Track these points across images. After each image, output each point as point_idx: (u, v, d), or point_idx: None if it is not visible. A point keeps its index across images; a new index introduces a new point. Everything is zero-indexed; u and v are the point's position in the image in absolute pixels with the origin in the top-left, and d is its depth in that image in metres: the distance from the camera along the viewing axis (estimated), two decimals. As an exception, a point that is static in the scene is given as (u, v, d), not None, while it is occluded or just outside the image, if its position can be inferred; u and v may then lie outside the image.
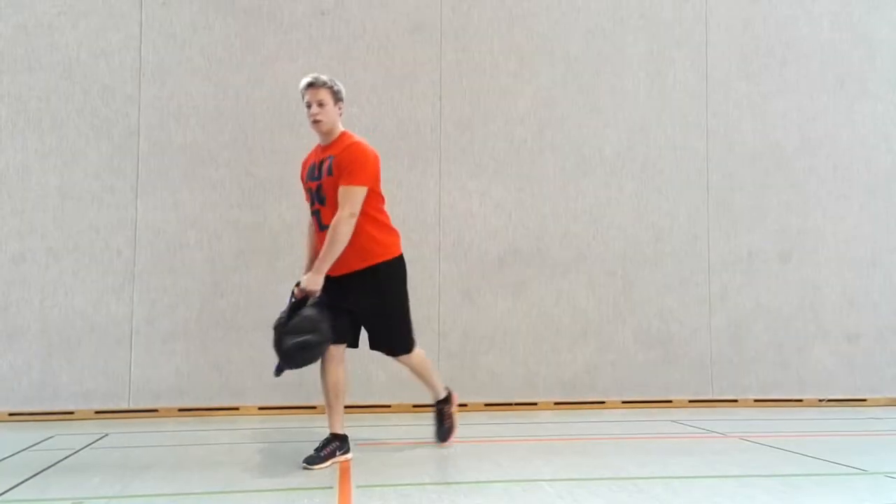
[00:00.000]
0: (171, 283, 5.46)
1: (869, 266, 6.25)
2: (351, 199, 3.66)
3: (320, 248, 3.73)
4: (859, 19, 6.38)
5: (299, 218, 5.56)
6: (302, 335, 3.56)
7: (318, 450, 3.70)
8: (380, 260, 3.80)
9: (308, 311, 3.62)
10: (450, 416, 4.25)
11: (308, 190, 3.87)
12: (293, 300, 3.70)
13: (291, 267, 5.56)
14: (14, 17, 5.43)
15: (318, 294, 3.67)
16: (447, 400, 4.26)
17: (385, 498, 3.07)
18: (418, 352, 4.05)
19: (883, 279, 6.26)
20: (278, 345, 3.60)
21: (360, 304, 3.80)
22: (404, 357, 4.00)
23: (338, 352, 3.79)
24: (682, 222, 6.08)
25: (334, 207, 3.69)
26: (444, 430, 4.23)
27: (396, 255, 3.89)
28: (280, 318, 3.65)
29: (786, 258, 6.18)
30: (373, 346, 3.94)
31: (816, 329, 6.15)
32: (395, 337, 3.94)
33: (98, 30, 5.51)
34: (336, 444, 3.75)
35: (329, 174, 3.72)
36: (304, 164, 3.98)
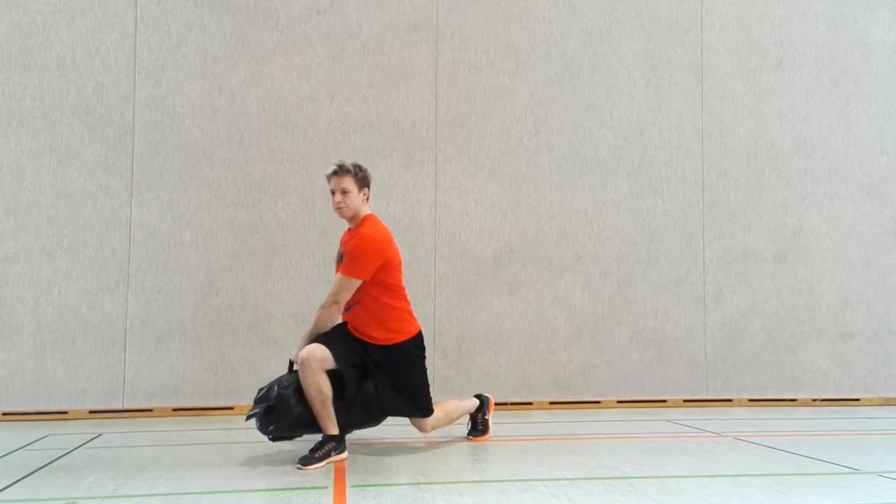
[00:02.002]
0: (166, 283, 5.45)
1: (863, 266, 6.27)
2: (339, 288, 3.78)
3: (349, 317, 3.89)
4: (854, 21, 6.40)
5: (295, 217, 5.59)
6: (259, 405, 3.72)
7: (312, 450, 3.69)
8: (397, 340, 3.88)
9: (276, 382, 3.77)
10: (485, 422, 4.43)
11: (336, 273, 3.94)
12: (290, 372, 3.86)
13: (286, 266, 5.58)
14: (8, 14, 5.41)
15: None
16: (482, 408, 4.43)
17: (380, 498, 3.06)
18: (438, 411, 4.08)
19: (877, 279, 6.28)
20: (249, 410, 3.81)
21: (376, 366, 3.86)
22: (427, 422, 4.04)
23: (314, 360, 3.65)
24: (678, 222, 6.09)
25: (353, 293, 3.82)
26: (477, 431, 4.41)
27: (414, 333, 3.95)
28: (262, 387, 3.82)
29: (780, 258, 6.20)
30: (383, 409, 3.94)
31: (811, 329, 6.17)
32: (407, 407, 3.97)
33: (93, 28, 5.50)
34: (331, 444, 3.74)
35: (341, 261, 3.86)
36: (340, 242, 4.05)
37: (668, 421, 5.23)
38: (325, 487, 3.24)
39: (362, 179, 3.84)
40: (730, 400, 6.02)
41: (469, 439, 4.37)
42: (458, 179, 5.85)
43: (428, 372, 4.08)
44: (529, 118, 5.96)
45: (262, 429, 3.75)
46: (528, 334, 5.83)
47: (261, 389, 3.81)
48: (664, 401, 5.94)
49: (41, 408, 5.25)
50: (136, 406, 5.37)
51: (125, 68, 5.52)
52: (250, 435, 4.70)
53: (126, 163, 5.49)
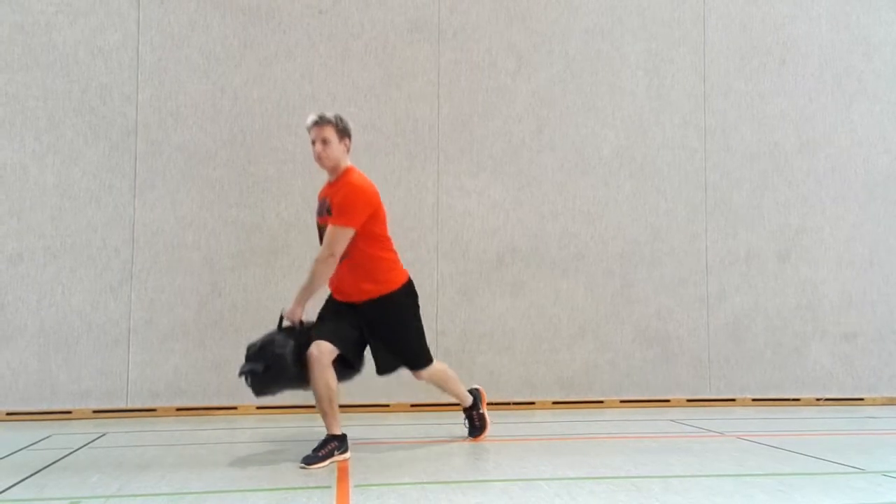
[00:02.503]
0: (169, 283, 5.46)
1: (867, 266, 6.26)
2: (333, 239, 3.73)
3: (335, 280, 3.85)
4: (857, 20, 6.39)
5: (297, 217, 5.59)
6: (251, 363, 3.72)
7: (315, 450, 3.69)
8: (387, 290, 3.87)
9: (271, 337, 3.76)
10: (480, 416, 4.38)
11: (317, 225, 3.94)
12: (279, 326, 3.82)
13: (289, 266, 5.58)
14: (11, 15, 5.42)
15: (296, 324, 3.79)
16: (475, 405, 4.37)
17: (383, 497, 3.06)
18: (439, 366, 4.10)
19: (881, 279, 6.26)
20: (242, 365, 3.78)
21: (368, 325, 3.86)
22: (424, 373, 4.05)
23: (323, 356, 3.70)
24: (681, 222, 6.09)
25: None
26: (475, 429, 4.37)
27: (403, 282, 3.94)
28: (253, 342, 3.79)
29: (784, 258, 6.18)
30: (382, 371, 3.96)
31: (814, 329, 6.16)
32: (408, 354, 3.99)
33: (96, 28, 5.50)
34: (334, 443, 3.75)
35: (329, 214, 3.80)
36: (318, 197, 4.01)
37: (671, 420, 5.23)
38: (329, 487, 3.24)
39: (343, 130, 3.83)
40: (733, 399, 6.01)
41: (470, 440, 4.35)
42: (461, 179, 5.85)
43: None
44: (532, 118, 5.96)
45: (256, 387, 3.73)
46: (530, 334, 5.83)
47: (252, 345, 3.78)
48: (667, 400, 5.93)
49: (45, 408, 5.26)
50: (139, 406, 5.37)
51: (128, 69, 5.53)
52: (254, 435, 4.72)
53: (129, 163, 5.49)
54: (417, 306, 4.04)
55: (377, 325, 3.86)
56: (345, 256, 3.78)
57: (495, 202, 5.87)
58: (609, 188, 6.01)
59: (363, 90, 5.74)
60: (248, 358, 3.75)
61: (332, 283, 3.92)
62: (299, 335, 3.75)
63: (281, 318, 3.83)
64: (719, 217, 6.13)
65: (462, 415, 4.45)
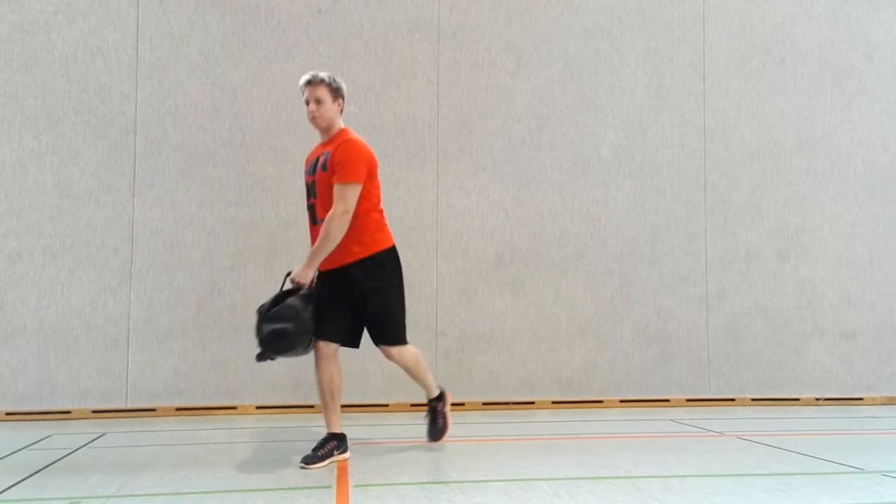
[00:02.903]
0: (169, 282, 5.45)
1: (866, 265, 6.26)
2: (344, 196, 3.67)
3: (314, 242, 3.78)
4: (857, 19, 6.39)
5: (297, 216, 5.57)
6: (280, 323, 3.58)
7: (315, 449, 3.69)
8: (374, 251, 3.80)
9: (291, 301, 3.64)
10: (443, 415, 4.15)
11: (306, 184, 3.91)
12: (282, 289, 3.74)
13: (288, 266, 5.53)
14: (10, 14, 5.41)
15: (306, 286, 3.71)
16: (441, 398, 4.17)
17: (383, 497, 3.06)
18: (412, 349, 3.98)
19: (880, 278, 6.27)
20: (258, 330, 3.64)
21: (357, 293, 3.77)
22: (396, 352, 3.88)
23: (330, 350, 3.75)
24: (680, 221, 6.09)
25: (326, 203, 3.72)
26: (437, 429, 4.12)
27: (390, 245, 3.89)
28: (263, 305, 3.68)
29: (783, 257, 6.19)
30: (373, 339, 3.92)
31: (814, 328, 6.16)
32: (386, 324, 3.86)
33: (95, 28, 5.50)
34: (334, 443, 3.75)
35: (323, 169, 3.75)
36: (307, 159, 4.00)
37: (670, 420, 5.23)
38: (328, 487, 3.24)
39: (336, 90, 3.82)
40: (733, 399, 6.02)
41: (430, 442, 4.08)
42: (460, 179, 5.84)
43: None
44: (531, 117, 5.96)
45: (275, 349, 3.62)
46: (530, 333, 5.83)
47: (267, 307, 3.64)
48: (667, 400, 5.93)
49: (44, 407, 5.26)
50: (139, 406, 5.37)
51: (127, 68, 5.52)
52: (253, 434, 4.72)
53: (128, 162, 5.49)
54: (402, 277, 3.92)
55: (363, 291, 3.76)
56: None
57: (495, 202, 5.87)
58: (608, 187, 6.01)
59: (363, 89, 5.73)
60: (270, 318, 3.59)
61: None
62: (309, 299, 3.68)
63: (284, 281, 3.76)
64: (718, 216, 6.13)
65: (425, 414, 4.19)
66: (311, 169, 3.85)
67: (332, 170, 3.70)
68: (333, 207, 3.66)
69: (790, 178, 6.24)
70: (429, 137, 5.82)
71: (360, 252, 3.76)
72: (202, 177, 5.55)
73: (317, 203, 3.80)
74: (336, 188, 3.68)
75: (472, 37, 5.92)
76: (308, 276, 3.71)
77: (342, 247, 3.72)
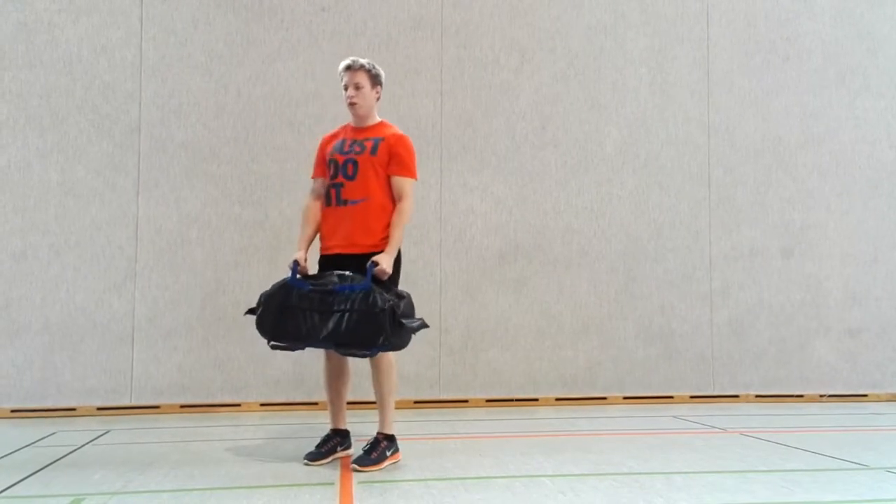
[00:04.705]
0: (173, 280, 5.47)
1: (871, 262, 6.24)
2: (410, 191, 3.73)
3: (323, 222, 3.72)
4: (861, 15, 6.36)
5: (300, 214, 5.56)
6: (416, 320, 3.53)
7: (319, 446, 3.69)
8: (374, 249, 3.66)
9: (403, 294, 3.55)
10: (382, 453, 3.59)
11: (332, 162, 3.73)
12: (365, 280, 3.45)
13: (293, 263, 5.57)
14: (14, 13, 5.43)
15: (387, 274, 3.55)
16: (391, 439, 3.69)
17: (386, 494, 3.07)
18: (394, 360, 3.72)
19: (885, 275, 6.25)
20: (396, 329, 3.39)
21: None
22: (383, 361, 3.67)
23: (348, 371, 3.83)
24: (684, 218, 6.08)
25: (363, 185, 3.64)
26: (369, 459, 3.54)
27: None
28: (381, 302, 3.37)
29: (788, 254, 6.17)
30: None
31: (818, 325, 6.15)
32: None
33: (98, 26, 5.51)
34: (337, 439, 3.76)
35: (373, 153, 3.68)
36: (329, 138, 3.88)
37: (674, 417, 5.22)
38: (332, 484, 3.25)
39: (375, 77, 3.80)
40: (736, 396, 6.01)
41: (356, 466, 3.49)
42: (464, 176, 5.84)
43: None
44: (535, 114, 5.95)
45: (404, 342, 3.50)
46: (533, 330, 5.83)
47: (389, 306, 3.37)
48: (670, 397, 5.93)
49: (49, 405, 5.28)
50: (143, 403, 5.39)
51: (131, 66, 5.53)
52: (257, 431, 4.73)
53: (133, 161, 5.50)
54: (399, 273, 3.78)
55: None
56: (366, 197, 3.64)
57: (498, 199, 5.87)
58: (612, 185, 6.01)
59: (366, 87, 5.72)
60: (405, 315, 3.44)
61: (323, 231, 3.75)
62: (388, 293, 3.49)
63: (295, 273, 3.61)
64: (723, 213, 6.12)
65: (372, 437, 3.75)
66: (346, 148, 3.72)
67: (388, 159, 3.67)
68: (404, 201, 3.68)
69: (795, 175, 6.22)
70: (432, 135, 5.82)
71: (375, 245, 3.63)
72: (206, 175, 5.56)
73: (348, 183, 3.65)
74: (402, 181, 3.70)
75: (475, 34, 5.92)
76: (388, 272, 3.54)
77: (349, 235, 3.63)
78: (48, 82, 5.43)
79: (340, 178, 3.70)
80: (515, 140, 5.92)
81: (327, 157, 3.78)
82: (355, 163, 3.68)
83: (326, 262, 3.73)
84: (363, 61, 3.78)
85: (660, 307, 5.98)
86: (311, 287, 3.52)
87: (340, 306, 3.44)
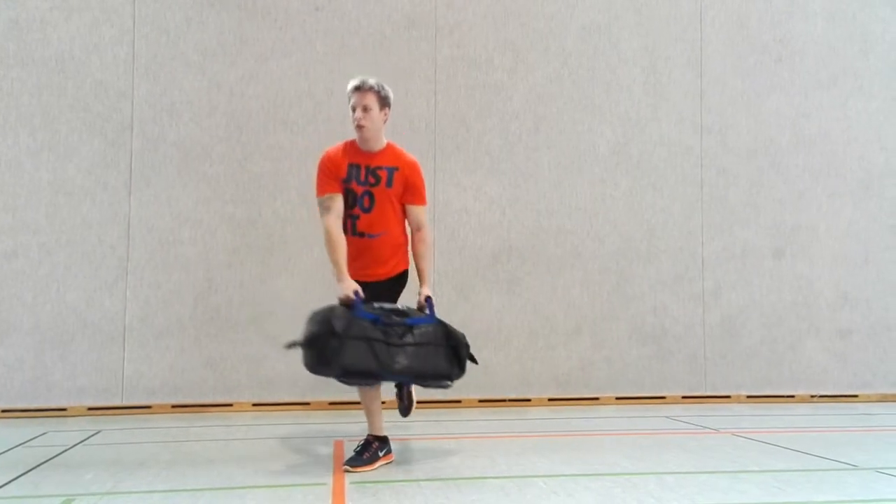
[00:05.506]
0: (165, 279, 5.44)
1: (862, 263, 6.27)
2: (426, 217, 3.83)
3: (351, 251, 3.68)
4: (853, 16, 6.39)
5: (294, 213, 5.57)
6: (466, 348, 3.68)
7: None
8: (406, 267, 3.86)
9: (440, 325, 3.68)
10: (374, 454, 3.60)
11: (349, 192, 3.66)
12: (431, 314, 3.67)
13: (285, 263, 5.57)
14: (6, 11, 5.39)
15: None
16: (385, 440, 3.71)
17: (379, 494, 3.07)
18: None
19: (875, 276, 6.28)
20: (458, 358, 3.63)
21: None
22: None
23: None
24: (677, 219, 6.09)
25: (381, 218, 3.68)
26: (360, 459, 3.54)
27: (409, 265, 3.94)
28: (458, 335, 3.65)
29: (779, 255, 6.19)
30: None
31: (809, 325, 6.17)
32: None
33: (91, 24, 5.48)
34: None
35: (389, 185, 3.69)
36: (337, 158, 3.71)
37: (666, 417, 5.24)
38: (325, 484, 3.24)
39: (384, 99, 3.71)
40: (728, 396, 6.03)
41: (347, 467, 3.48)
42: (457, 176, 5.84)
43: None
44: (528, 114, 5.96)
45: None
46: (526, 331, 5.83)
47: (449, 335, 3.63)
48: (663, 397, 5.94)
49: (40, 405, 5.25)
50: (134, 403, 5.37)
51: (123, 64, 5.51)
52: (249, 432, 4.72)
53: (124, 159, 5.48)
54: None
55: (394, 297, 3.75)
56: (378, 232, 3.67)
57: (492, 199, 5.87)
58: (605, 185, 6.02)
59: (359, 87, 5.71)
60: (466, 345, 3.66)
61: (351, 264, 3.66)
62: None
63: (386, 312, 3.56)
64: (715, 214, 6.14)
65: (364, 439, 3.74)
66: (362, 178, 3.66)
67: (403, 189, 3.71)
68: (424, 230, 3.79)
69: (787, 176, 6.24)
70: (426, 135, 5.81)
71: (393, 269, 3.77)
72: (199, 174, 5.54)
73: (364, 215, 3.65)
74: (419, 211, 3.78)
75: (469, 34, 5.91)
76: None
77: (382, 265, 3.71)
78: (40, 80, 5.40)
79: (357, 211, 3.69)
80: (509, 140, 5.92)
81: (341, 181, 3.66)
82: (371, 195, 3.68)
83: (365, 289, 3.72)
84: (372, 82, 3.67)
85: (652, 307, 5.99)
86: (381, 319, 3.49)
87: (417, 339, 3.51)
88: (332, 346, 3.34)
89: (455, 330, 3.67)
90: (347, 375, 3.45)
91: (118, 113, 5.48)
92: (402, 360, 3.45)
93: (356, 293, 3.50)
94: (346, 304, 3.49)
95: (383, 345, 3.43)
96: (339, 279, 3.56)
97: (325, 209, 3.67)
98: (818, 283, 6.21)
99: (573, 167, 5.98)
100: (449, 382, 3.61)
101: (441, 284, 5.75)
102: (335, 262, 3.59)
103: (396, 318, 3.52)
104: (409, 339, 3.49)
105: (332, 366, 3.38)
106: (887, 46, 6.41)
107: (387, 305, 3.58)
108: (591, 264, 5.95)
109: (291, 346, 3.42)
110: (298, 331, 5.17)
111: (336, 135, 5.60)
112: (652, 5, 6.15)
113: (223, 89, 5.60)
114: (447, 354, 3.58)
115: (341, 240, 3.63)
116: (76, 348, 5.32)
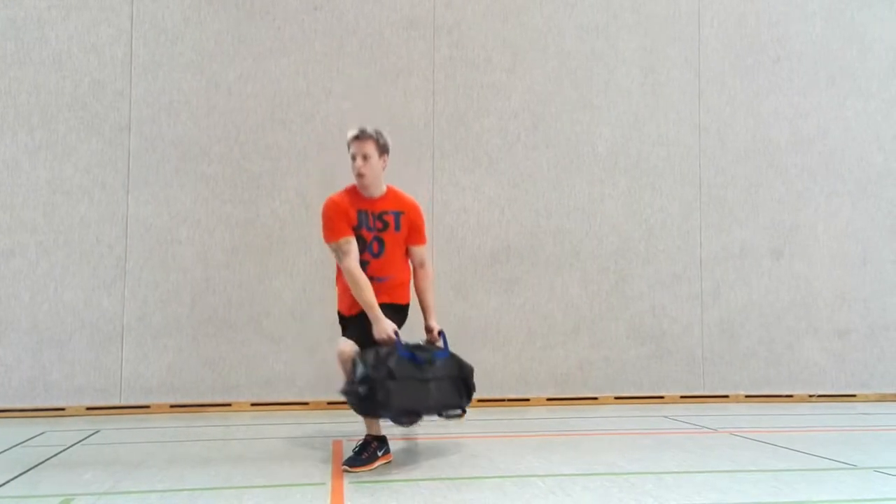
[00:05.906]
0: (163, 279, 5.44)
1: (860, 263, 6.28)
2: (427, 254, 4.01)
3: (348, 288, 3.77)
4: (852, 17, 6.40)
5: (291, 213, 5.58)
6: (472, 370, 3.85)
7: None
8: (407, 300, 4.00)
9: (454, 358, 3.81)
10: (373, 454, 3.59)
11: (358, 238, 3.74)
12: (420, 346, 3.73)
13: (283, 263, 5.57)
14: (4, 10, 5.38)
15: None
16: (383, 440, 3.70)
17: (377, 494, 3.07)
18: None
19: (873, 276, 6.29)
20: (467, 387, 3.77)
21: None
22: None
23: None
24: (675, 218, 6.10)
25: (390, 263, 3.81)
26: (359, 459, 3.54)
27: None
28: (467, 364, 3.79)
29: (777, 255, 6.20)
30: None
31: (807, 325, 6.18)
32: None
33: (89, 24, 5.47)
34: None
35: (397, 230, 3.83)
36: (345, 206, 3.76)
37: (664, 417, 5.24)
38: (323, 484, 3.24)
39: (383, 146, 3.82)
40: (726, 396, 6.03)
41: (345, 467, 3.48)
42: (456, 176, 5.84)
43: None
44: (527, 114, 5.96)
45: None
46: (525, 331, 5.83)
47: (462, 368, 3.77)
48: (661, 397, 5.95)
49: (38, 404, 5.24)
50: (133, 403, 5.36)
51: (121, 64, 5.50)
52: (248, 431, 4.71)
53: (122, 159, 5.47)
54: None
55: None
56: (386, 276, 3.80)
57: (490, 199, 5.87)
58: (604, 185, 6.02)
59: (358, 86, 5.72)
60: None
61: (352, 298, 3.74)
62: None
63: (416, 348, 3.67)
64: (713, 214, 6.14)
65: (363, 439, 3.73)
66: (368, 224, 3.77)
67: (409, 232, 3.88)
68: (427, 266, 3.99)
69: (785, 176, 6.25)
70: (424, 134, 5.81)
71: (400, 299, 3.91)
72: (196, 173, 5.53)
73: (375, 262, 3.76)
74: (422, 250, 3.96)
75: (467, 34, 5.91)
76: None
77: (396, 298, 3.85)
78: (37, 79, 5.39)
79: (368, 257, 3.77)
80: (507, 140, 5.92)
81: (352, 226, 3.75)
82: (381, 241, 3.81)
83: (347, 320, 3.83)
84: (370, 130, 3.76)
85: (651, 307, 6.00)
86: (418, 358, 3.58)
87: (437, 374, 3.63)
88: (390, 389, 3.41)
89: (463, 360, 3.82)
90: (406, 415, 3.57)
91: (116, 112, 5.47)
92: (434, 395, 3.61)
93: (396, 333, 3.62)
94: (388, 343, 3.57)
95: (422, 382, 3.56)
96: (376, 320, 3.62)
97: (343, 253, 3.72)
98: (816, 282, 6.22)
99: (572, 167, 5.98)
100: (461, 411, 3.75)
101: (439, 284, 5.74)
102: (367, 304, 3.64)
103: (423, 355, 3.64)
104: (429, 374, 3.60)
105: (389, 407, 3.46)
106: (885, 47, 6.42)
107: (411, 343, 3.68)
108: (590, 264, 5.95)
109: (348, 391, 3.48)
110: (298, 331, 5.23)
111: (333, 135, 5.63)
112: (650, 5, 6.16)
113: (221, 89, 5.60)
114: (459, 385, 3.75)
115: (367, 280, 3.69)
116: (74, 348, 5.31)
